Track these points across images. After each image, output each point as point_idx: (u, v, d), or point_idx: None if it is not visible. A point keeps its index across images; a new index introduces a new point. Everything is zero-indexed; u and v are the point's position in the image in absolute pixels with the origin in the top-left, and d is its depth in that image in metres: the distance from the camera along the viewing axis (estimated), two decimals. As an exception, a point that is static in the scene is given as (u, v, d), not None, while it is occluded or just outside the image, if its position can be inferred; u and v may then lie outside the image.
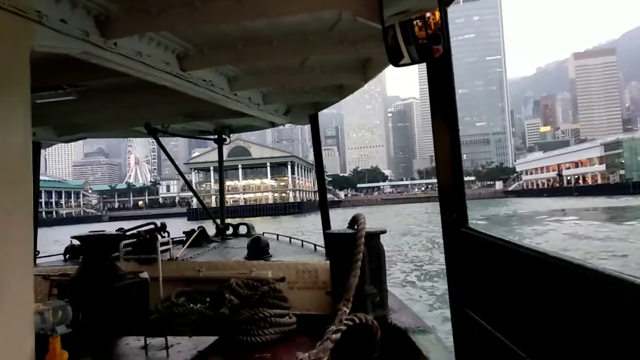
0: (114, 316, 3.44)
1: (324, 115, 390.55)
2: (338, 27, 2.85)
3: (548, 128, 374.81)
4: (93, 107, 4.68)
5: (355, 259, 2.95)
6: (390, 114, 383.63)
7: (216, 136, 7.04)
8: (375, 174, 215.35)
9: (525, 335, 1.45)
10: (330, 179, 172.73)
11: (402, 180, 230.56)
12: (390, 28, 1.77)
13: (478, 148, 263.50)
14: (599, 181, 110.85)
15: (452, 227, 2.02)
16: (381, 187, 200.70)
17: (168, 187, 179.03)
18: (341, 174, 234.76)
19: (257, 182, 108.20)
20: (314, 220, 48.78)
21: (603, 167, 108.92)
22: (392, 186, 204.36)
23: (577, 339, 1.17)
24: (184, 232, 6.50)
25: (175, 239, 5.94)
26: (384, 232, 3.17)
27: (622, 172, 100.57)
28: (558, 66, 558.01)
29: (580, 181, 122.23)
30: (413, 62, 1.83)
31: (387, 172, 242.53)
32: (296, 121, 6.00)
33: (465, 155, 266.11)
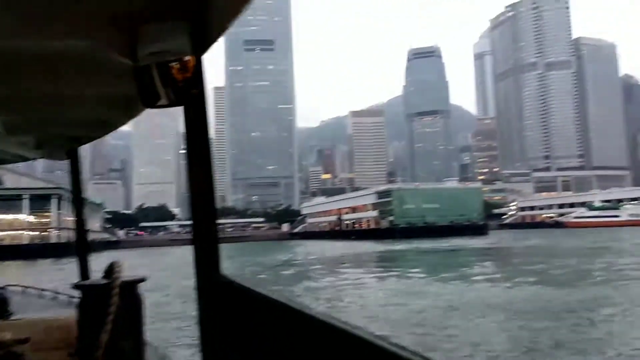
0: None
1: (109, 146, 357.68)
2: (91, 59, 2.52)
3: (329, 175, 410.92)
4: None
5: (108, 312, 2.61)
6: (183, 151, 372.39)
7: None
8: (162, 212, 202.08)
9: None
10: (110, 216, 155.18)
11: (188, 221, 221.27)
12: (147, 68, 1.73)
13: (268, 190, 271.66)
14: (373, 226, 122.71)
15: (205, 276, 2.00)
16: (168, 226, 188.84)
17: None
18: (124, 211, 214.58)
19: (9, 217, 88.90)
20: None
21: (376, 213, 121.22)
22: (181, 225, 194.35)
23: None
24: None
25: None
26: (143, 280, 2.86)
27: (391, 218, 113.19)
28: (338, 121, 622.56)
29: (357, 225, 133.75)
30: (170, 105, 1.81)
31: (176, 210, 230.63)
32: (52, 156, 4.36)
33: (255, 197, 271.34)
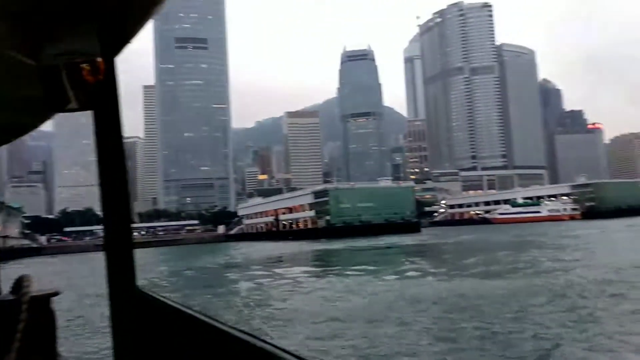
0: None
1: (28, 147, 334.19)
2: None
3: (265, 176, 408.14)
4: None
5: (16, 330, 2.37)
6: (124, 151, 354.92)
7: None
8: (88, 216, 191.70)
9: None
10: (30, 221, 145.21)
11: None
12: (54, 69, 1.63)
13: (202, 192, 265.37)
14: (310, 226, 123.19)
15: (119, 286, 1.93)
16: (94, 230, 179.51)
17: None
18: (46, 216, 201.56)
19: None
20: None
21: (313, 213, 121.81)
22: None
23: None
24: None
25: None
26: (56, 294, 2.68)
27: (327, 217, 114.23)
28: (274, 122, 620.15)
29: (294, 226, 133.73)
30: (81, 108, 1.73)
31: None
32: None
33: (189, 199, 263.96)
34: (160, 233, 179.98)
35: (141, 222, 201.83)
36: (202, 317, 1.42)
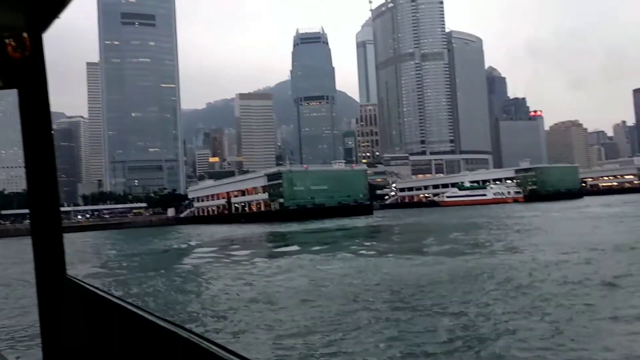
0: None
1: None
2: None
3: (217, 159, 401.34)
4: None
5: None
6: (53, 132, 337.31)
7: None
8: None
9: None
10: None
11: (63, 206, 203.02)
12: None
13: (151, 174, 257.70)
14: (263, 208, 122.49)
15: (47, 273, 1.82)
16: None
17: None
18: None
19: None
20: None
21: (266, 195, 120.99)
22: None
23: None
24: None
25: None
26: None
27: (281, 200, 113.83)
28: (226, 103, 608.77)
29: (247, 209, 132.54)
30: (5, 86, 1.63)
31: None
32: None
33: (137, 181, 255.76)
34: (106, 216, 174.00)
35: (85, 204, 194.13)
36: (130, 307, 1.38)
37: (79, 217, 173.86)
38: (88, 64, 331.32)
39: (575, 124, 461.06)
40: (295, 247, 39.59)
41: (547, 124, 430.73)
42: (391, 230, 59.34)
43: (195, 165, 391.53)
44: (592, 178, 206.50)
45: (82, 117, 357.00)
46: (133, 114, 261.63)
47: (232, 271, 26.30)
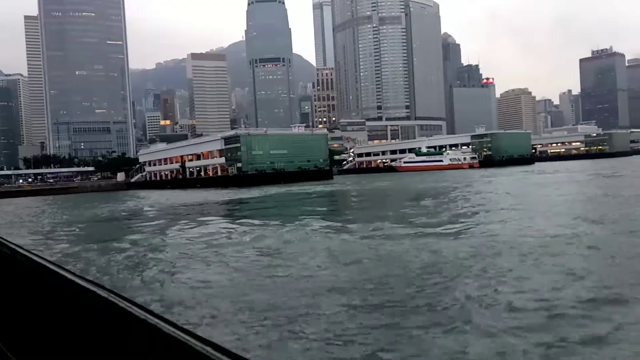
0: None
1: None
2: None
3: (168, 122, 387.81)
4: None
5: None
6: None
7: None
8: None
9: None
10: None
11: (2, 169, 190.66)
12: None
13: (98, 137, 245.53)
14: (219, 173, 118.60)
15: None
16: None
17: None
18: None
19: None
20: None
21: (223, 159, 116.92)
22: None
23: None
24: None
25: None
26: None
27: (239, 165, 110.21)
28: (177, 64, 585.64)
29: (202, 173, 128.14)
30: None
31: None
32: None
33: (83, 144, 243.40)
34: (50, 180, 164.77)
35: (27, 168, 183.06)
36: (67, 275, 1.32)
37: (21, 181, 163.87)
38: (26, 17, 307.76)
39: (525, 92, 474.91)
40: (257, 214, 37.45)
41: (499, 91, 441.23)
42: (349, 196, 57.87)
43: (145, 128, 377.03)
44: (541, 145, 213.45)
45: (21, 74, 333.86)
46: (77, 72, 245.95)
47: (185, 240, 23.82)
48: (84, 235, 30.12)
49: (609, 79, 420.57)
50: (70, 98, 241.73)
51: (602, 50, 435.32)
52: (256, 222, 29.41)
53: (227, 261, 17.35)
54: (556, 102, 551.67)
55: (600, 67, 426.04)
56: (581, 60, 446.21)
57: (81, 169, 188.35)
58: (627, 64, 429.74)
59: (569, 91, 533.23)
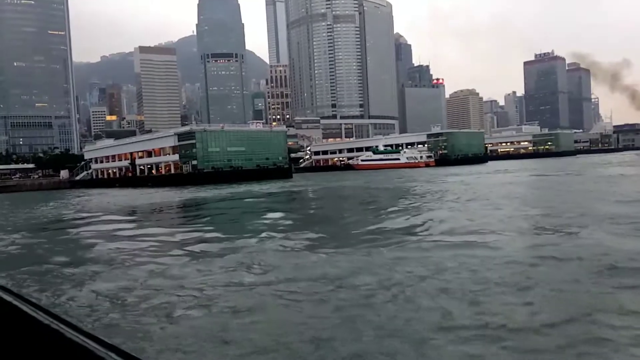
0: None
1: None
2: None
3: (114, 117, 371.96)
4: None
5: None
6: None
7: None
8: None
9: None
10: None
11: None
12: None
13: (38, 132, 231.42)
14: (173, 171, 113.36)
15: None
16: None
17: None
18: None
19: None
20: None
21: (176, 157, 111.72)
22: None
23: None
24: None
25: None
26: None
27: (194, 162, 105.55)
28: (123, 58, 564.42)
29: (154, 171, 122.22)
30: None
31: None
32: None
33: (22, 140, 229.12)
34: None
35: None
36: None
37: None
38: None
39: (473, 93, 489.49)
40: (213, 216, 34.64)
41: (448, 92, 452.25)
42: (309, 196, 55.76)
43: (90, 123, 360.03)
44: (491, 144, 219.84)
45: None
46: (15, 64, 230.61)
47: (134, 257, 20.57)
48: (26, 239, 26.29)
49: (550, 82, 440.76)
50: (8, 90, 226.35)
51: (544, 53, 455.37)
52: (221, 235, 26.46)
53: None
54: (502, 102, 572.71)
55: (542, 70, 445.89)
56: (525, 63, 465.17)
57: (20, 166, 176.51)
58: (567, 68, 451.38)
59: (514, 92, 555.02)
